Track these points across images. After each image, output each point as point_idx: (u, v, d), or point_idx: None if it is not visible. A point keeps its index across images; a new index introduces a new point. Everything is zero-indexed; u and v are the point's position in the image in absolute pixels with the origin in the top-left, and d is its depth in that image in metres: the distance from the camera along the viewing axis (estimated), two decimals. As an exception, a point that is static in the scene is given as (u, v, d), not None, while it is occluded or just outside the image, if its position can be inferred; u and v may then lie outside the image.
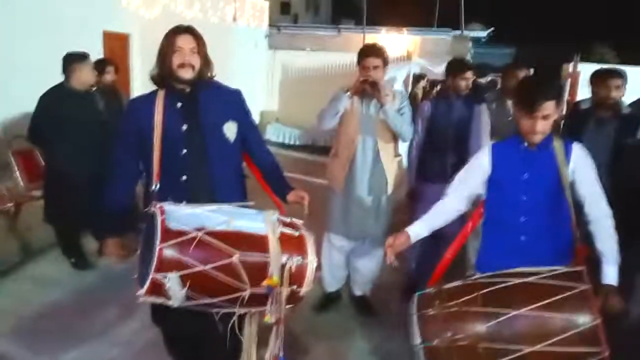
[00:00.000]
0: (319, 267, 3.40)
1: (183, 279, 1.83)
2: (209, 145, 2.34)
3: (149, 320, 2.50)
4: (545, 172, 2.17)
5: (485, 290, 1.92)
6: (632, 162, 3.17)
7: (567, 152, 2.18)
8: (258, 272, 1.94)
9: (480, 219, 2.37)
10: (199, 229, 1.87)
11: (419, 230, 2.34)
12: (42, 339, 3.09)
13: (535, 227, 2.19)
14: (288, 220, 2.10)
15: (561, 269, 1.96)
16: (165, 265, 1.81)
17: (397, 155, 3.45)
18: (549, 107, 2.08)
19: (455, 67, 3.71)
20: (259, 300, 1.98)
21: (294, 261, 1.98)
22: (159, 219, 1.85)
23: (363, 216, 3.38)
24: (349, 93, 3.25)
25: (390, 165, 3.37)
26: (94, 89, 4.17)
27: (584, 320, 1.81)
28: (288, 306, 2.02)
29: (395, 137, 3.37)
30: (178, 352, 2.62)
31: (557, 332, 1.80)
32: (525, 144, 2.19)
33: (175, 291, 1.83)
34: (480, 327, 1.87)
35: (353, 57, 3.51)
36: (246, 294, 1.90)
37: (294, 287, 2.00)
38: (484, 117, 3.62)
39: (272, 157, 2.61)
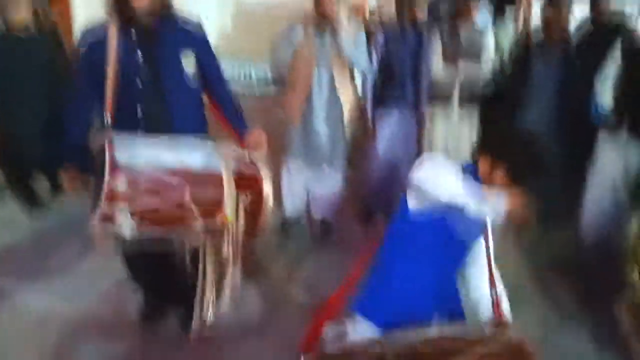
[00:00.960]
0: (277, 198, 3.54)
1: (133, 212, 1.86)
2: (166, 77, 2.27)
3: (108, 254, 2.53)
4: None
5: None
6: (580, 89, 3.26)
7: None
8: (211, 207, 1.97)
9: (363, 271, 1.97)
10: (148, 163, 1.88)
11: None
12: (0, 280, 3.09)
13: (451, 291, 1.89)
14: (244, 155, 2.12)
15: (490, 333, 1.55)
16: (114, 198, 1.83)
17: (353, 84, 3.51)
18: None
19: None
20: (213, 233, 2.03)
21: (249, 198, 2.02)
22: (107, 151, 1.85)
23: (322, 145, 3.47)
24: (302, 24, 3.21)
25: (346, 95, 3.42)
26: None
27: None
28: (244, 240, 2.08)
29: (351, 67, 3.41)
30: (138, 274, 2.67)
31: None
32: None
33: (126, 223, 1.86)
34: None
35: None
36: (198, 228, 1.94)
37: (249, 224, 2.06)
38: (434, 44, 3.71)
39: (231, 94, 2.56)
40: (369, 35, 3.74)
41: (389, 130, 3.66)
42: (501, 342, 1.42)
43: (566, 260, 3.31)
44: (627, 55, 3.09)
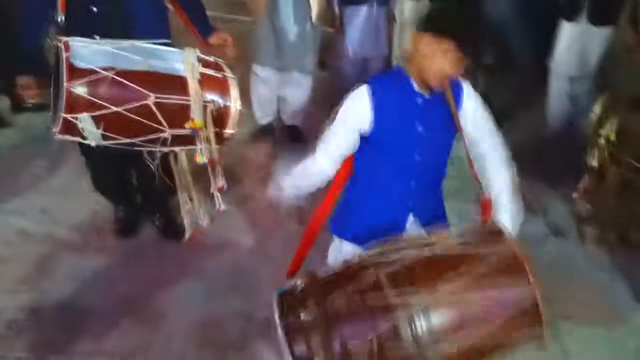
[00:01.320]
0: (247, 105, 3.47)
1: (96, 120, 1.78)
2: None
3: (78, 168, 2.49)
4: (443, 124, 1.71)
5: (382, 271, 1.31)
6: None
7: (458, 95, 1.70)
8: (179, 114, 1.90)
9: (344, 182, 1.85)
10: (109, 68, 1.78)
11: (289, 190, 1.83)
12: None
13: (424, 191, 1.79)
14: (210, 59, 2.02)
15: (469, 228, 1.46)
16: (75, 106, 1.75)
17: None
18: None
19: None
20: (183, 140, 1.98)
21: (216, 103, 1.96)
22: (63, 55, 1.73)
23: (290, 46, 3.35)
24: None
25: None
26: None
27: (518, 290, 1.27)
28: (216, 146, 2.04)
29: None
30: (105, 187, 2.66)
31: (490, 316, 1.26)
32: (417, 88, 1.67)
33: (90, 131, 1.80)
34: (381, 326, 1.25)
35: None
36: (167, 134, 1.89)
37: (218, 129, 2.01)
38: None
39: None
40: None
41: (358, 27, 3.55)
42: (497, 255, 1.30)
43: (529, 148, 3.34)
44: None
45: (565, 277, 2.40)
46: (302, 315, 1.31)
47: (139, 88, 1.81)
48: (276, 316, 1.34)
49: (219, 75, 1.99)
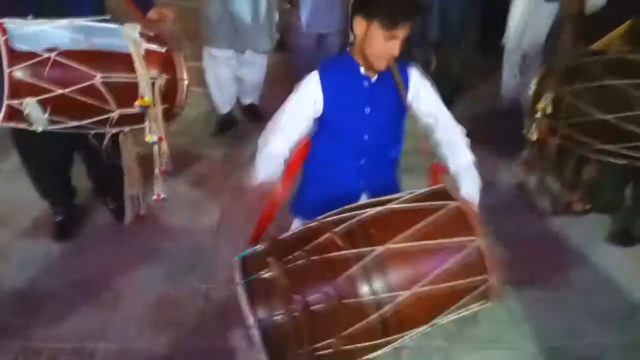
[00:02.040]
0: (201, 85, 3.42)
1: (42, 104, 1.75)
2: None
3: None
4: (389, 101, 1.77)
5: (336, 230, 1.37)
6: None
7: (405, 77, 1.75)
8: (127, 92, 1.89)
9: (302, 160, 1.91)
10: (50, 49, 1.74)
11: (262, 176, 1.78)
12: None
13: (375, 169, 1.84)
14: (152, 34, 1.99)
15: (419, 190, 1.52)
16: (19, 90, 1.71)
17: None
18: (409, 26, 1.62)
19: None
20: (132, 119, 1.97)
21: (164, 79, 1.94)
22: (1, 39, 1.69)
23: (243, 25, 3.24)
24: None
25: None
26: None
27: (464, 241, 1.36)
28: (165, 123, 2.04)
29: None
30: (44, 178, 2.55)
31: (437, 263, 1.35)
32: (363, 71, 1.72)
33: (37, 116, 1.77)
34: (338, 278, 1.31)
35: None
36: (115, 114, 1.88)
37: (167, 105, 2.00)
38: None
39: None
40: None
41: (312, 1, 3.48)
42: (445, 210, 1.40)
43: (483, 122, 3.45)
44: None
45: (512, 244, 2.50)
46: (263, 274, 1.34)
47: (83, 68, 1.79)
48: (237, 277, 1.37)
49: (162, 50, 1.97)
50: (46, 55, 1.74)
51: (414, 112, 1.78)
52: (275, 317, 1.30)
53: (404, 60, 1.70)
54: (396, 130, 1.83)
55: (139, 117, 1.96)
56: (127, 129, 2.01)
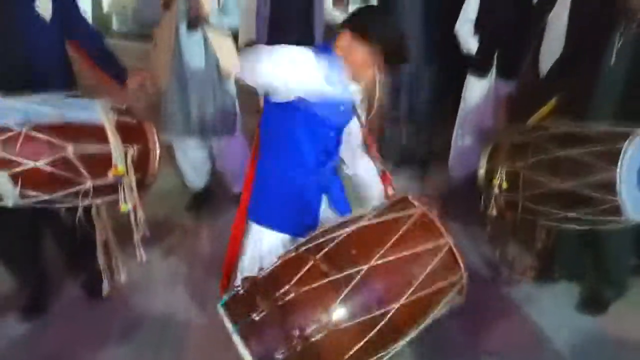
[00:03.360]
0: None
1: (14, 178, 1.75)
2: (19, 24, 2.10)
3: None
4: (347, 108, 1.85)
5: (317, 257, 1.41)
6: (443, 16, 3.42)
7: None
8: (99, 163, 1.90)
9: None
10: (23, 124, 1.76)
11: None
12: None
13: (331, 169, 1.93)
14: (123, 107, 2.04)
15: (382, 203, 1.63)
16: (-10, 164, 1.70)
17: (227, 34, 3.14)
18: None
19: None
20: (104, 191, 1.96)
21: (136, 149, 1.96)
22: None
23: (202, 110, 3.13)
24: None
25: (221, 45, 3.06)
26: None
27: (437, 245, 1.45)
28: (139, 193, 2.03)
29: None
30: (12, 253, 2.48)
31: (419, 270, 1.42)
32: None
33: (8, 190, 1.76)
34: (332, 304, 1.35)
35: None
36: (87, 186, 1.87)
37: (140, 175, 2.01)
38: None
39: (100, 39, 2.42)
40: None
41: None
42: (410, 217, 1.49)
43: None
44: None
45: (486, 316, 2.52)
46: (254, 316, 1.34)
47: (55, 140, 1.80)
48: (229, 325, 1.37)
49: (134, 121, 2.02)
50: (17, 129, 1.75)
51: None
52: (278, 356, 1.30)
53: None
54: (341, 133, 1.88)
55: (112, 189, 1.95)
56: (99, 201, 1.99)
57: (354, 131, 1.89)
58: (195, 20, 2.93)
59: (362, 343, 1.36)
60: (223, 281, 1.90)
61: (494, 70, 3.35)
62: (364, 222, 1.49)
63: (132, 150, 1.93)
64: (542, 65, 3.01)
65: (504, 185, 2.18)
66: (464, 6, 3.35)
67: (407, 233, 1.45)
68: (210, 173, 3.54)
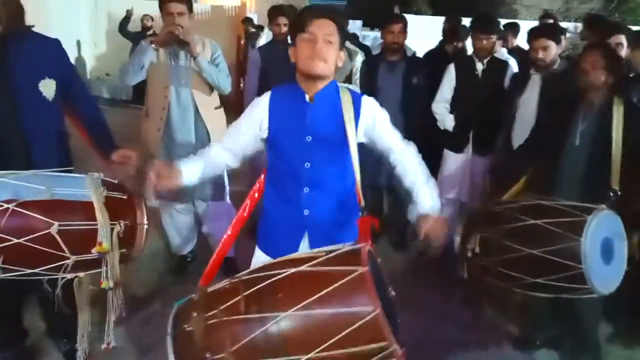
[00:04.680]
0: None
1: (-5, 253, 1.73)
2: (23, 105, 2.13)
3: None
4: (331, 130, 1.80)
5: (249, 291, 1.47)
6: (419, 99, 3.59)
7: (357, 107, 1.83)
8: (84, 239, 1.90)
9: (259, 195, 2.01)
10: (10, 201, 1.77)
11: (188, 171, 1.91)
12: None
13: (319, 199, 1.86)
14: (115, 182, 2.06)
15: (342, 247, 1.57)
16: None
17: (218, 107, 3.22)
18: (327, 25, 1.73)
19: (270, 13, 3.88)
20: (88, 264, 1.96)
21: (123, 225, 1.97)
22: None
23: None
24: (153, 45, 2.96)
25: (211, 117, 3.14)
26: None
27: (362, 310, 1.37)
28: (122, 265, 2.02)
29: (212, 87, 3.15)
30: None
31: (335, 331, 1.38)
32: (307, 97, 1.81)
33: (-12, 266, 1.74)
34: (243, 340, 1.40)
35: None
36: (70, 261, 1.87)
37: (126, 250, 2.01)
38: None
39: (97, 112, 2.45)
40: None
41: None
42: (350, 274, 1.44)
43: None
44: (461, 76, 3.47)
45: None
46: (187, 327, 1.49)
47: (41, 217, 1.81)
48: (168, 328, 1.53)
49: (124, 196, 2.04)
50: (4, 206, 1.77)
51: (367, 139, 1.87)
52: None
53: (357, 94, 1.86)
54: (340, 162, 1.84)
55: (96, 262, 1.95)
56: (82, 274, 1.98)
57: (394, 148, 1.89)
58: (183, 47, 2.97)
59: None
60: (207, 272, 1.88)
61: (470, 145, 3.50)
62: (305, 267, 1.49)
63: (119, 227, 1.93)
64: (515, 143, 3.17)
65: (477, 249, 2.26)
66: (440, 86, 3.55)
67: (339, 290, 1.42)
68: (196, 238, 3.53)
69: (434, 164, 3.72)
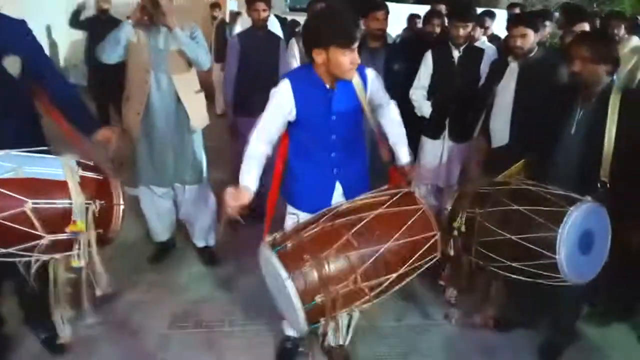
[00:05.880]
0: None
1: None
2: None
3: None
4: (350, 108, 2.20)
5: (352, 232, 1.97)
6: (400, 85, 3.52)
7: (364, 80, 2.21)
8: (59, 218, 1.88)
9: (286, 155, 2.32)
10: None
11: (252, 183, 2.12)
12: None
13: (344, 159, 2.26)
14: (90, 163, 2.04)
15: (389, 191, 2.18)
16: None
17: (198, 90, 3.20)
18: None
19: (249, 1, 3.80)
20: (64, 246, 1.93)
21: (98, 205, 1.95)
22: None
23: (169, 160, 3.16)
24: (130, 20, 2.91)
25: (191, 101, 3.13)
26: None
27: (429, 235, 2.09)
28: (100, 248, 2.00)
29: (193, 71, 3.13)
30: None
31: (417, 249, 2.05)
32: (327, 85, 2.13)
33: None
34: (361, 269, 1.94)
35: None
36: (44, 241, 1.85)
37: (101, 231, 1.99)
38: (291, 50, 3.78)
39: (73, 90, 2.41)
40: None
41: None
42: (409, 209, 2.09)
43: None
44: (438, 63, 3.49)
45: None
46: (288, 244, 1.95)
47: (13, 194, 1.78)
48: (282, 273, 1.87)
49: (100, 177, 2.02)
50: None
51: (369, 103, 2.26)
52: (305, 269, 1.89)
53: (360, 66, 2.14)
54: (358, 129, 2.30)
55: (71, 243, 1.92)
56: (58, 256, 1.95)
57: (384, 107, 2.38)
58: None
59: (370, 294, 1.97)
60: (267, 223, 2.24)
61: (446, 132, 3.54)
62: (382, 209, 2.07)
63: (94, 206, 1.91)
64: (493, 130, 3.21)
65: (462, 228, 2.29)
66: (418, 74, 3.56)
67: (414, 223, 2.07)
68: (174, 225, 3.52)
69: (413, 150, 3.81)
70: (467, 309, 2.96)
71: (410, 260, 2.02)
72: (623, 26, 4.11)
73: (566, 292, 2.50)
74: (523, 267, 2.15)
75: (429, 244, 2.07)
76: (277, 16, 6.46)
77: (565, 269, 2.06)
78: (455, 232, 2.31)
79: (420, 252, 2.05)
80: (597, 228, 2.16)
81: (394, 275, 1.99)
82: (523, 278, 2.20)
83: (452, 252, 2.35)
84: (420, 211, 2.10)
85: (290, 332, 2.57)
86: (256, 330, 2.78)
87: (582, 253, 2.12)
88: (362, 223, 1.98)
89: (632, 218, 2.28)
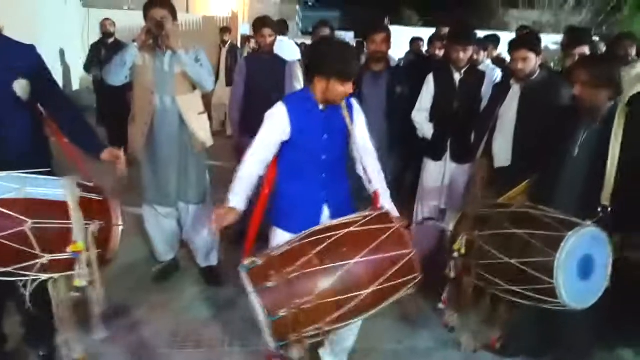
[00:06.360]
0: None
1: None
2: None
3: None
4: (339, 129, 2.31)
5: (318, 249, 1.96)
6: (402, 108, 3.60)
7: (350, 109, 2.34)
8: (59, 238, 1.90)
9: (273, 181, 2.37)
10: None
11: (240, 204, 2.21)
12: None
13: (333, 180, 2.35)
14: (90, 184, 2.07)
15: (367, 213, 2.14)
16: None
17: (202, 112, 3.26)
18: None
19: (254, 25, 3.90)
20: (64, 265, 1.95)
21: (97, 225, 1.97)
22: None
23: (173, 180, 3.20)
24: (136, 43, 2.98)
25: (195, 122, 3.17)
26: None
27: (402, 253, 2.03)
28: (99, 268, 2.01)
29: (197, 93, 3.20)
30: None
31: (388, 267, 1.99)
32: (321, 106, 2.27)
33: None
34: (324, 285, 1.92)
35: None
36: (44, 260, 1.87)
37: (101, 251, 2.01)
38: (295, 73, 3.85)
39: (78, 113, 2.46)
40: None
41: None
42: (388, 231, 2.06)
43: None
44: (439, 86, 3.51)
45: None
46: (268, 283, 1.90)
47: (13, 215, 1.81)
48: (249, 285, 1.95)
49: (100, 197, 2.05)
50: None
51: (355, 138, 2.34)
52: (281, 314, 1.88)
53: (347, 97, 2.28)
54: (343, 152, 2.39)
55: (72, 263, 1.94)
56: (57, 275, 1.96)
57: (367, 149, 2.40)
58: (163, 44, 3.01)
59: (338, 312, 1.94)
60: (246, 246, 2.27)
61: (448, 154, 3.54)
62: (354, 228, 2.05)
63: (94, 226, 1.94)
64: (495, 152, 3.20)
65: (462, 250, 2.29)
66: (420, 96, 3.59)
67: (385, 241, 2.03)
68: (178, 244, 3.54)
69: (416, 171, 3.82)
70: (472, 332, 2.90)
71: (383, 278, 1.98)
72: (635, 47, 4.12)
73: (577, 317, 2.46)
74: (522, 291, 2.13)
75: (403, 262, 2.02)
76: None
77: (563, 295, 2.04)
78: (456, 254, 2.30)
79: (394, 270, 2.00)
80: (597, 253, 2.13)
81: (366, 292, 1.96)
82: (523, 301, 2.18)
83: (452, 274, 2.34)
84: (393, 229, 2.07)
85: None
86: (255, 351, 2.76)
87: (581, 278, 2.10)
88: (330, 240, 1.99)
89: (634, 242, 2.24)
